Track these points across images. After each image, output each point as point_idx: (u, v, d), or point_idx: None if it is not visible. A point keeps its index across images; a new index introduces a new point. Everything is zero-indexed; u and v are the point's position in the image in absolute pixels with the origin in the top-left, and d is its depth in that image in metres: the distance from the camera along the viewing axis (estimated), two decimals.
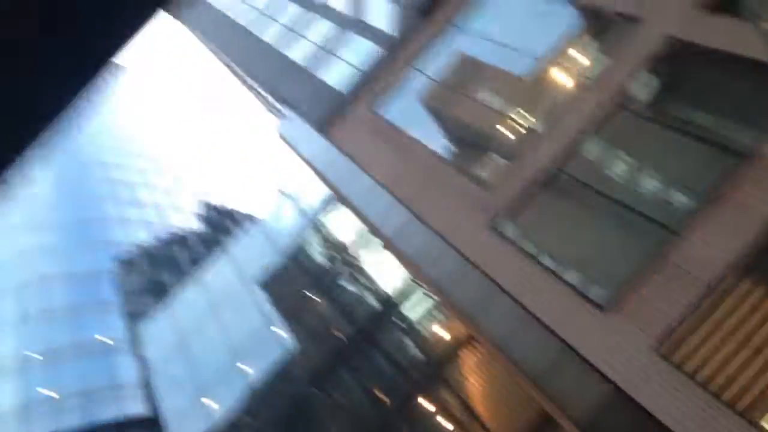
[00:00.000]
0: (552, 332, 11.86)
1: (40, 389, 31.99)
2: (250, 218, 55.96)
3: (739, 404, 9.03)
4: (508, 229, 13.85)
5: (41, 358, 33.98)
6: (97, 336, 35.09)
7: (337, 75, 23.46)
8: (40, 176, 50.96)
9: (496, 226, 13.95)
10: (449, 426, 14.54)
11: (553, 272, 12.55)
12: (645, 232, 12.05)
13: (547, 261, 12.79)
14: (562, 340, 11.63)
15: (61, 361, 33.60)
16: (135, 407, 30.92)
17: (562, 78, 15.65)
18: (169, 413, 21.69)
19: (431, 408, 14.98)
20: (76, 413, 30.20)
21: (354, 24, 25.08)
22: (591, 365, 11.04)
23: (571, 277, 12.28)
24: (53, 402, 31.29)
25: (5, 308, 38.15)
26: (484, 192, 14.90)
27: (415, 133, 18.50)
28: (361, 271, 19.86)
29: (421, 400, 15.37)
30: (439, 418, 14.88)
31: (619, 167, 13.21)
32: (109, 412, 30.39)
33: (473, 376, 14.54)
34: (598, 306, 11.53)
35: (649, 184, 12.63)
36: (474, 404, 14.08)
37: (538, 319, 12.31)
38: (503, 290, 13.26)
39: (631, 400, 10.24)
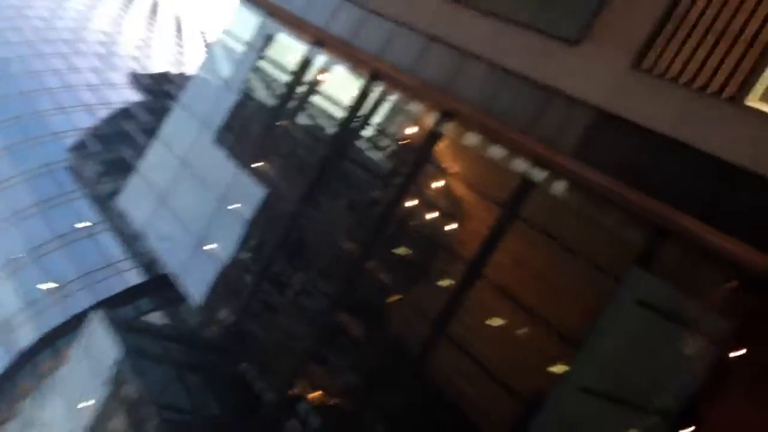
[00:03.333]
0: (532, 81, 12.12)
1: (40, 285, 32.35)
2: (187, 76, 54.24)
3: (726, 92, 9.46)
4: None
5: (28, 257, 34.02)
6: (75, 225, 34.92)
7: None
8: None
9: None
10: (438, 212, 14.98)
11: (522, 24, 12.58)
12: None
13: (513, 16, 12.76)
14: (544, 85, 11.92)
15: (49, 255, 33.71)
16: (134, 277, 31.69)
17: None
18: (174, 268, 22.24)
19: (422, 200, 15.34)
20: (85, 296, 30.85)
21: None
22: (573, 99, 11.41)
23: (540, 24, 12.32)
24: (57, 291, 31.81)
25: None
26: None
27: None
28: (316, 91, 19.53)
29: (410, 197, 15.58)
30: (430, 208, 15.31)
31: None
32: (112, 287, 31.07)
33: (453, 157, 14.88)
34: (568, 41, 11.70)
35: None
36: (463, 180, 14.56)
37: (512, 73, 12.52)
38: (474, 56, 13.33)
39: (617, 119, 10.71)
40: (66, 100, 44.93)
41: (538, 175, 12.05)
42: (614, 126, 10.82)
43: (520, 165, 12.38)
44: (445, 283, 13.50)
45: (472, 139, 13.54)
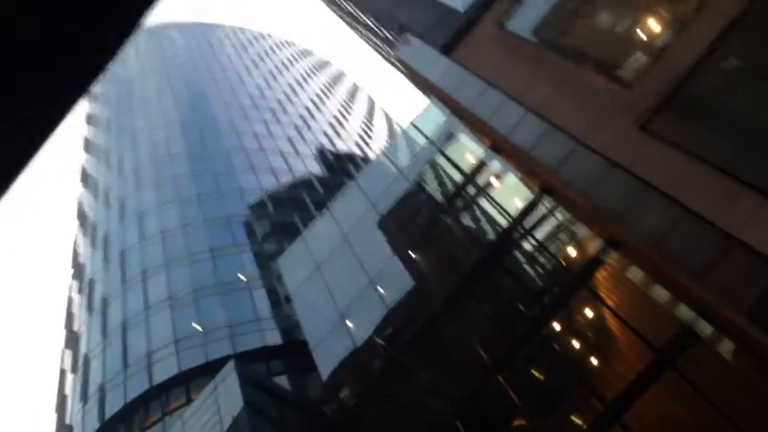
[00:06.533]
0: (713, 225, 11.22)
1: (193, 323, 34.47)
2: (368, 159, 57.12)
3: None
4: (659, 127, 13.11)
5: (190, 296, 36.48)
6: (239, 275, 37.17)
7: None
8: (173, 131, 54.10)
9: (646, 124, 13.25)
10: (585, 342, 14.12)
11: (713, 164, 11.82)
12: None
13: (704, 154, 12.05)
14: (725, 233, 10.98)
15: (207, 298, 35.93)
16: (273, 337, 32.79)
17: None
18: (312, 338, 22.68)
19: (569, 325, 14.56)
20: (226, 345, 32.35)
21: None
22: (757, 253, 10.37)
23: (733, 168, 11.50)
24: (201, 335, 33.64)
25: (156, 255, 41.09)
26: (629, 92, 14.15)
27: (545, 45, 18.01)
28: (485, 194, 19.57)
29: (557, 319, 14.93)
30: (577, 335, 14.50)
31: None
32: (251, 342, 32.33)
33: (612, 289, 14.04)
34: (763, 192, 10.76)
35: None
36: (619, 315, 13.62)
37: (696, 214, 11.68)
38: (654, 188, 12.65)
39: None
40: (258, 161, 48.91)
41: (704, 327, 10.96)
42: None
43: (685, 312, 11.36)
44: (577, 419, 12.46)
45: (636, 273, 12.71)
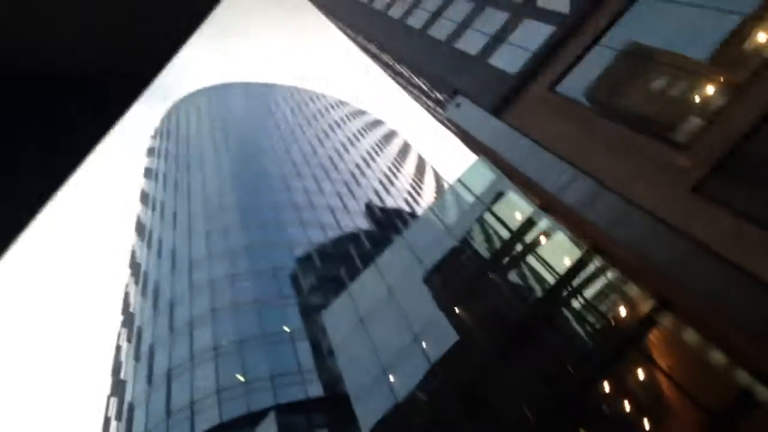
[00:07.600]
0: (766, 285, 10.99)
1: (236, 375, 34.64)
2: (416, 215, 57.43)
3: None
4: (712, 189, 13.04)
5: (234, 346, 36.79)
6: (283, 326, 37.41)
7: (508, 60, 23.45)
8: (225, 185, 55.56)
9: (700, 186, 13.20)
10: (636, 405, 13.70)
11: (766, 224, 11.66)
12: None
13: (759, 215, 11.90)
14: None
15: (251, 349, 36.19)
16: (315, 389, 32.62)
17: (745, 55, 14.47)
18: (354, 390, 22.58)
19: (620, 387, 14.20)
20: (267, 396, 32.31)
21: (522, 8, 24.95)
22: None
23: None
24: (244, 386, 33.72)
25: (202, 304, 41.75)
26: (683, 155, 14.15)
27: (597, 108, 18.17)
28: (532, 252, 19.51)
29: (607, 380, 14.60)
30: (628, 399, 14.11)
31: None
32: (292, 394, 32.21)
33: (665, 350, 13.68)
34: None
35: None
36: (672, 378, 13.25)
37: (752, 275, 11.46)
38: (708, 249, 12.48)
39: None
40: (307, 216, 49.75)
41: (763, 393, 10.60)
42: None
43: (743, 376, 11.02)
44: None
45: (690, 335, 12.43)
